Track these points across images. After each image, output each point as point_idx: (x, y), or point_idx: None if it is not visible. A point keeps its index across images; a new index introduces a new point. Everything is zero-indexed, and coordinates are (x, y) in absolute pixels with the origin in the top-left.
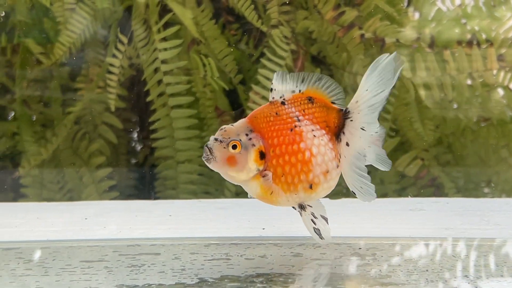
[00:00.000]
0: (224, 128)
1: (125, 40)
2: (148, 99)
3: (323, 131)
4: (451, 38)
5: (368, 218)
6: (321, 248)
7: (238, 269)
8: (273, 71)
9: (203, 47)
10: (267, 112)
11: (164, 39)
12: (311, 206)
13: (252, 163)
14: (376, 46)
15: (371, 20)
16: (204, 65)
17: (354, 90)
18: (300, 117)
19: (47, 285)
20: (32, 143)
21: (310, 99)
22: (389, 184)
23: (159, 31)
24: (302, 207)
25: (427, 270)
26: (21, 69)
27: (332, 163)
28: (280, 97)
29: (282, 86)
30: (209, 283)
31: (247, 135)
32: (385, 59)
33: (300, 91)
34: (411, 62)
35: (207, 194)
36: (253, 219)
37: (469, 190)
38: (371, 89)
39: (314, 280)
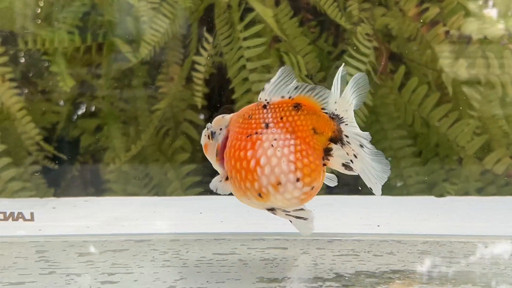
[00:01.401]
0: (217, 117)
1: (210, 38)
2: (234, 96)
3: (293, 141)
4: None
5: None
6: (446, 246)
7: (370, 265)
8: (357, 69)
9: (282, 45)
10: (244, 113)
11: (248, 38)
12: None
13: (213, 157)
14: (461, 43)
15: (454, 17)
16: (292, 63)
17: (439, 87)
18: (270, 124)
19: (190, 276)
20: (121, 140)
21: (297, 106)
22: (475, 182)
23: (241, 30)
24: (270, 209)
25: None
26: (107, 68)
27: (288, 176)
28: (265, 100)
29: (274, 89)
30: (346, 278)
31: (221, 129)
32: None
33: (290, 97)
34: (499, 59)
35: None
36: (365, 216)
37: None
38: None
39: (452, 279)
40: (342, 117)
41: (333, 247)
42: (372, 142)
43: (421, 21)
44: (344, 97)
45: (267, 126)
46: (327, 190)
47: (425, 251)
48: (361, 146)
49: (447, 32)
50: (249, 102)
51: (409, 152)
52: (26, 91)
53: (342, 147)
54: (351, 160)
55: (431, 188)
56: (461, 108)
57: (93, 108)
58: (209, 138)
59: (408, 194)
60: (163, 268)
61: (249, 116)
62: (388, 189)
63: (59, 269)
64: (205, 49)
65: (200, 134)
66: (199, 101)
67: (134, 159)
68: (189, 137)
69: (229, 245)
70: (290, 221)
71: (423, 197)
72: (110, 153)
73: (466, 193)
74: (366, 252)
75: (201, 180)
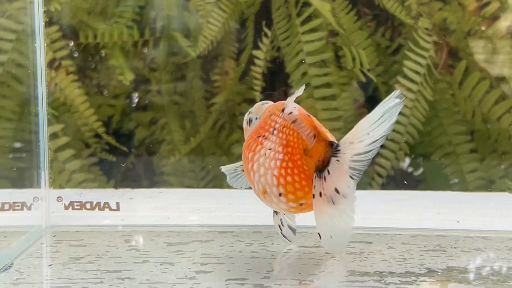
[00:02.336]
0: (258, 104)
1: (269, 32)
2: (292, 91)
3: (281, 156)
4: None
5: None
6: None
7: (460, 261)
8: (418, 63)
9: (339, 39)
10: (271, 109)
11: (307, 32)
12: (283, 214)
13: None
14: None
15: None
16: (353, 57)
17: (498, 82)
18: (275, 131)
19: (281, 267)
20: (180, 133)
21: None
22: None
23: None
24: (275, 212)
25: None
26: (165, 62)
27: (272, 189)
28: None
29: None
30: (439, 273)
31: (256, 118)
32: (392, 99)
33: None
34: None
35: None
36: (442, 212)
37: None
38: (374, 133)
39: None
40: (339, 150)
41: (418, 242)
42: (431, 137)
43: (481, 15)
44: (359, 126)
45: (273, 132)
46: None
47: None
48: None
49: (509, 27)
50: (307, 97)
51: (468, 148)
52: (85, 84)
53: (319, 179)
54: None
55: (490, 185)
56: None
57: (149, 102)
58: (248, 123)
59: (467, 190)
60: (253, 259)
61: (270, 115)
62: (447, 185)
63: (152, 258)
64: (263, 43)
65: None
66: (258, 95)
67: (191, 152)
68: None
69: (311, 238)
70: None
71: (496, 193)
72: (166, 146)
73: None
74: (453, 248)
75: None
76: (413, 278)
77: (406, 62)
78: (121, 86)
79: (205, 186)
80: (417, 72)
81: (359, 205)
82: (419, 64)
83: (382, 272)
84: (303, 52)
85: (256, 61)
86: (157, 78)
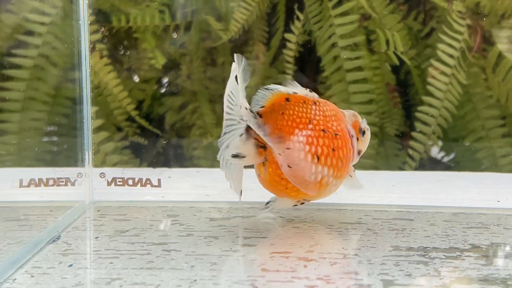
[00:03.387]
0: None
1: (301, 16)
2: (324, 74)
3: None
4: None
5: None
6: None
7: (504, 238)
8: (451, 47)
9: (371, 23)
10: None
11: (339, 15)
12: None
13: None
14: None
15: None
16: (387, 40)
17: None
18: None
19: (323, 243)
20: (211, 117)
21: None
22: None
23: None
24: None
25: None
26: (197, 47)
27: None
28: None
29: None
30: (483, 249)
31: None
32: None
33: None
34: None
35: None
36: (482, 192)
37: None
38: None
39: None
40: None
41: (460, 219)
42: (464, 121)
43: None
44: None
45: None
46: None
47: None
48: None
49: None
50: (340, 80)
51: (501, 133)
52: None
53: None
54: None
55: None
56: None
57: (179, 87)
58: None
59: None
60: (296, 234)
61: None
62: (479, 169)
63: (195, 231)
64: (295, 26)
65: None
66: (290, 79)
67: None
68: None
69: (352, 215)
70: None
71: None
72: (196, 130)
73: None
74: (496, 225)
75: None
76: (458, 253)
77: (440, 45)
78: (155, 70)
79: None
80: (451, 56)
81: (397, 185)
82: (453, 47)
83: (426, 247)
84: (335, 35)
85: (288, 44)
86: (188, 62)
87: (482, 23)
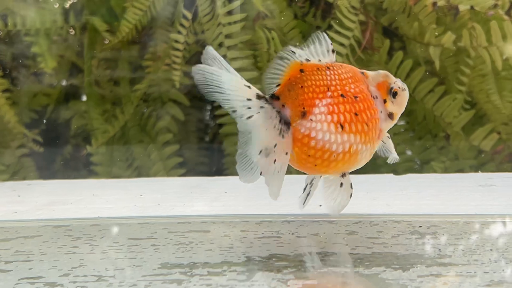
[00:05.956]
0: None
1: (189, 15)
2: None
3: None
4: None
5: (433, 195)
6: (378, 226)
7: (288, 248)
8: (341, 44)
9: (269, 21)
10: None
11: (229, 14)
12: None
13: None
14: (450, 14)
15: None
16: (268, 39)
17: (427, 61)
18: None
19: (90, 263)
20: (101, 121)
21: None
22: (465, 160)
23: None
24: None
25: (491, 250)
26: (89, 48)
27: None
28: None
29: None
30: (256, 262)
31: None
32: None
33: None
34: (487, 31)
35: None
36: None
37: None
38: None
39: (366, 260)
40: None
41: (259, 229)
42: None
43: None
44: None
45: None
46: None
47: (354, 231)
48: None
49: (434, 4)
50: None
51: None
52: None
53: None
54: None
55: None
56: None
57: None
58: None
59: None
60: (67, 255)
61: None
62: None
63: None
64: (183, 26)
65: (187, 114)
66: (177, 80)
67: (118, 141)
68: (174, 117)
69: (150, 229)
70: None
71: None
72: (93, 136)
73: None
74: (290, 233)
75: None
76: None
77: None
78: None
79: (130, 176)
80: (339, 53)
81: None
82: (342, 44)
83: (196, 263)
84: (222, 34)
85: (176, 45)
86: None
87: (378, 19)
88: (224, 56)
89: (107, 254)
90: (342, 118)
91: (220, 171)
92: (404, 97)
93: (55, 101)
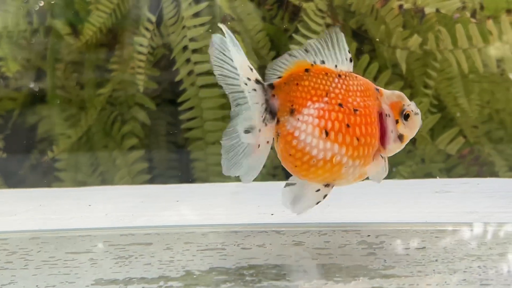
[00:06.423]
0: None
1: (153, 18)
2: (177, 78)
3: None
4: (498, 7)
5: (390, 202)
6: (327, 236)
7: (231, 260)
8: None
9: (236, 24)
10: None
11: (194, 16)
12: None
13: None
14: (416, 17)
15: None
16: None
17: (394, 65)
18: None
19: (22, 280)
20: (64, 126)
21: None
22: (433, 163)
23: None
24: None
25: (436, 260)
26: (52, 52)
27: None
28: None
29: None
30: (195, 276)
31: None
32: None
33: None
34: (453, 34)
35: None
36: (263, 204)
37: None
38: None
39: (309, 273)
40: None
41: (204, 240)
42: None
43: None
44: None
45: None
46: None
47: (301, 242)
48: None
49: (401, 7)
50: (192, 85)
51: None
52: None
53: None
54: None
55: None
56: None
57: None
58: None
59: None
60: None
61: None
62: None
63: None
64: (147, 29)
65: (154, 118)
66: (141, 84)
67: (83, 146)
68: (139, 121)
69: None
70: None
71: None
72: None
73: None
74: (235, 245)
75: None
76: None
77: (294, 47)
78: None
79: (94, 182)
80: None
81: None
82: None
83: (132, 278)
84: (186, 37)
85: (140, 48)
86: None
87: (346, 22)
88: (188, 60)
89: (40, 269)
90: (329, 125)
91: (187, 177)
92: (416, 121)
93: (20, 105)
